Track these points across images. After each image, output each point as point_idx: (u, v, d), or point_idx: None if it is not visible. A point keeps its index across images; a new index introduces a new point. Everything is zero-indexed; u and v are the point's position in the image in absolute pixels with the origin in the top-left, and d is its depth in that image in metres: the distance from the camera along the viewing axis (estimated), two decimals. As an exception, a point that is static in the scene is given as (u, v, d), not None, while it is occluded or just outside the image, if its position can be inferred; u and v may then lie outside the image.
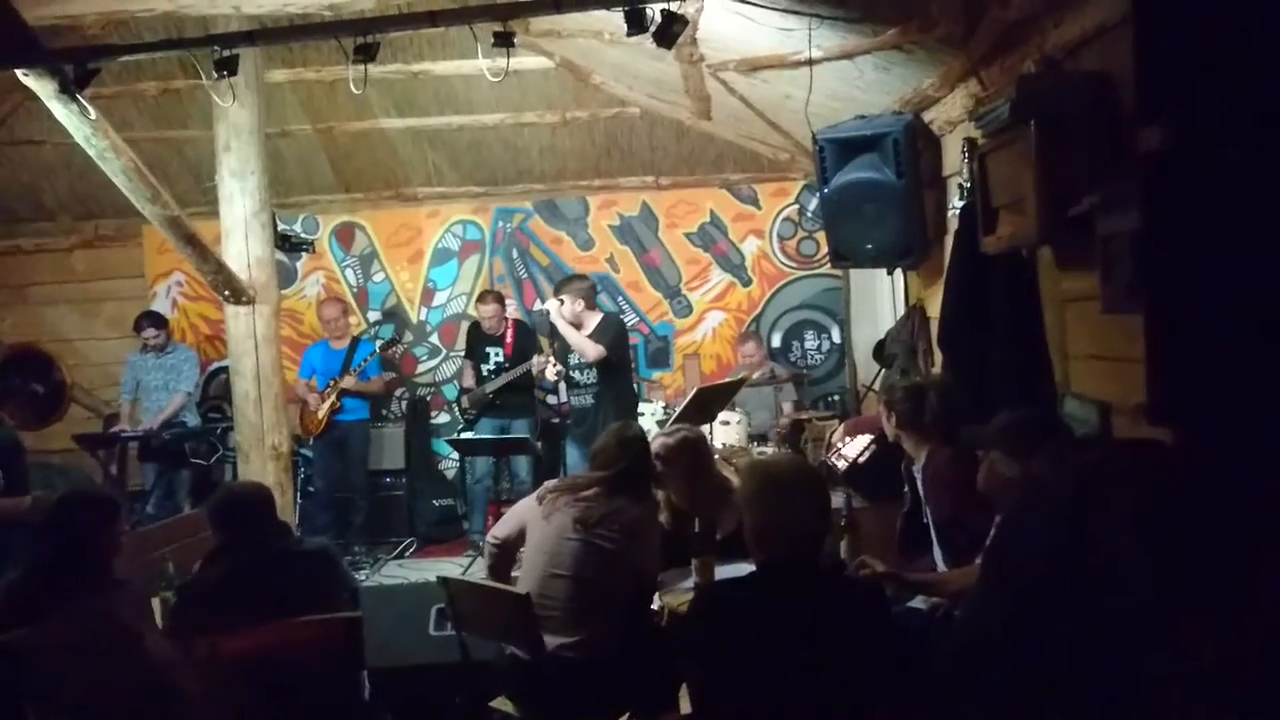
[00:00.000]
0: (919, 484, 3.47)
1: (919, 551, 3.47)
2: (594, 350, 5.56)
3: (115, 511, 3.11)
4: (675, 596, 3.32)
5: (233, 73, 3.85)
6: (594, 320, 5.70)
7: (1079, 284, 3.07)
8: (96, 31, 5.39)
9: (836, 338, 7.13)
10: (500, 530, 3.45)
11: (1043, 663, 1.76)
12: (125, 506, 3.33)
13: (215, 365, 6.97)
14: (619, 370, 5.82)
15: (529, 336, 6.52)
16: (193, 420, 6.53)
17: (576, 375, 5.82)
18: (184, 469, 6.43)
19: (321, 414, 6.43)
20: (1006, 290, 3.48)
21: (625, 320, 7.13)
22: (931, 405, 3.41)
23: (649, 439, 3.66)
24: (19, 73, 3.79)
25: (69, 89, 3.80)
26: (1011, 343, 3.43)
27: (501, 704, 3.24)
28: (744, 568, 2.57)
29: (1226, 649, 1.49)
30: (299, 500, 6.14)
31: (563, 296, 5.64)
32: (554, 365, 5.94)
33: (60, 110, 3.94)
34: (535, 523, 3.31)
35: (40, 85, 3.81)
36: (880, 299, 6.00)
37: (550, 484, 3.44)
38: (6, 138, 6.62)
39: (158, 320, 6.56)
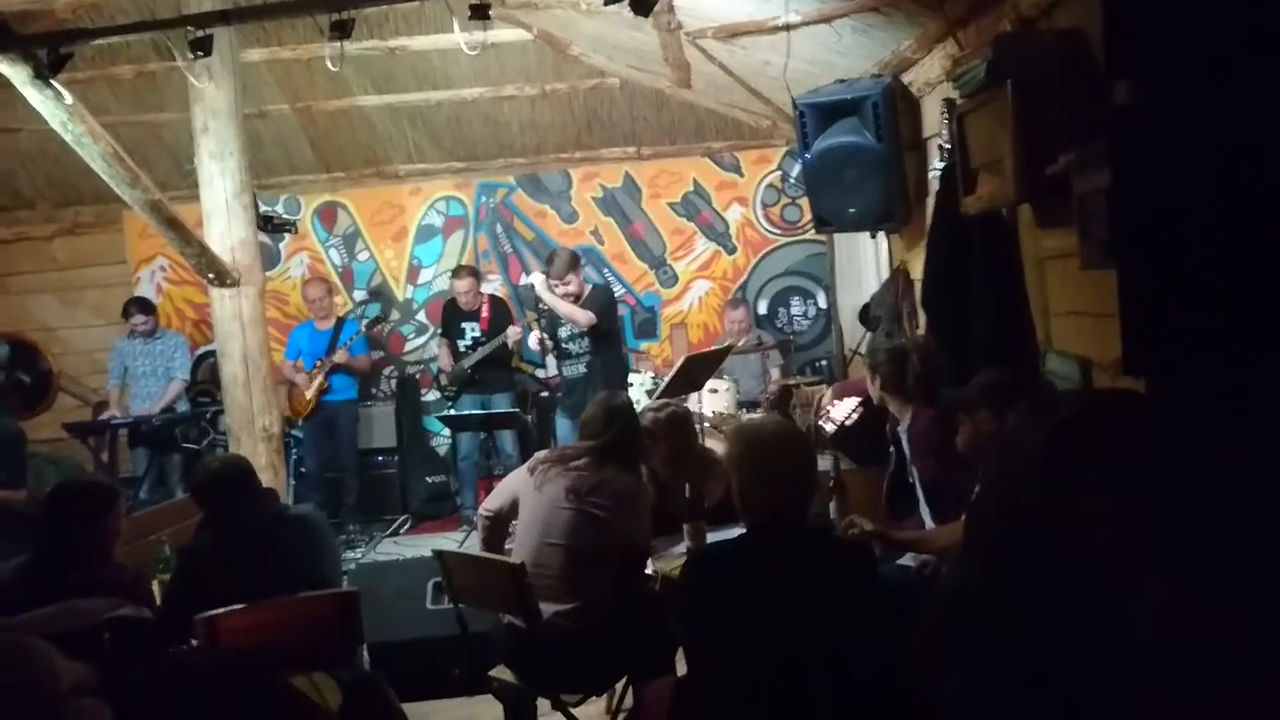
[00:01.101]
0: (904, 445, 3.52)
1: (906, 511, 3.52)
2: (584, 317, 5.61)
3: (114, 498, 3.14)
4: (667, 562, 3.37)
5: (208, 53, 3.83)
6: (586, 290, 5.77)
7: (1058, 242, 3.10)
8: (68, 15, 5.33)
9: (822, 303, 7.16)
10: (492, 502, 3.49)
11: (1020, 614, 1.79)
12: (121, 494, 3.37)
13: (202, 349, 6.95)
14: (610, 339, 5.87)
15: (504, 311, 6.53)
16: (182, 405, 6.54)
17: (569, 346, 5.85)
18: (175, 453, 6.45)
19: (310, 395, 6.45)
20: (986, 250, 3.51)
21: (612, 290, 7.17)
22: (914, 367, 3.45)
23: (636, 409, 3.69)
24: (-8, 59, 3.76)
25: (43, 74, 3.77)
26: (992, 302, 3.46)
27: (500, 673, 3.29)
28: (733, 533, 2.62)
29: (1199, 598, 1.53)
30: (291, 481, 6.17)
31: (569, 278, 5.69)
32: (535, 334, 5.96)
33: (35, 96, 3.90)
34: (527, 493, 3.34)
35: (13, 71, 3.77)
36: (865, 263, 6.02)
37: (541, 455, 3.47)
38: (-19, 126, 6.57)
39: (146, 306, 6.55)
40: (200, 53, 3.80)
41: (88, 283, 7.29)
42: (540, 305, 5.82)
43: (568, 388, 5.99)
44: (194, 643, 2.82)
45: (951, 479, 3.05)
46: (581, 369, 5.82)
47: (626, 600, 3.21)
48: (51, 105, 3.95)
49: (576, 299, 5.72)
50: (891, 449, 3.71)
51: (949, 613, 2.15)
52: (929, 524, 3.35)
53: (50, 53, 3.74)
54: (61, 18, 5.29)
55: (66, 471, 6.02)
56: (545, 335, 5.93)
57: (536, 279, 5.68)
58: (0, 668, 1.83)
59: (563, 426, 5.94)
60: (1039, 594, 1.83)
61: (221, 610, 2.77)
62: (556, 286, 5.71)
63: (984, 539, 1.98)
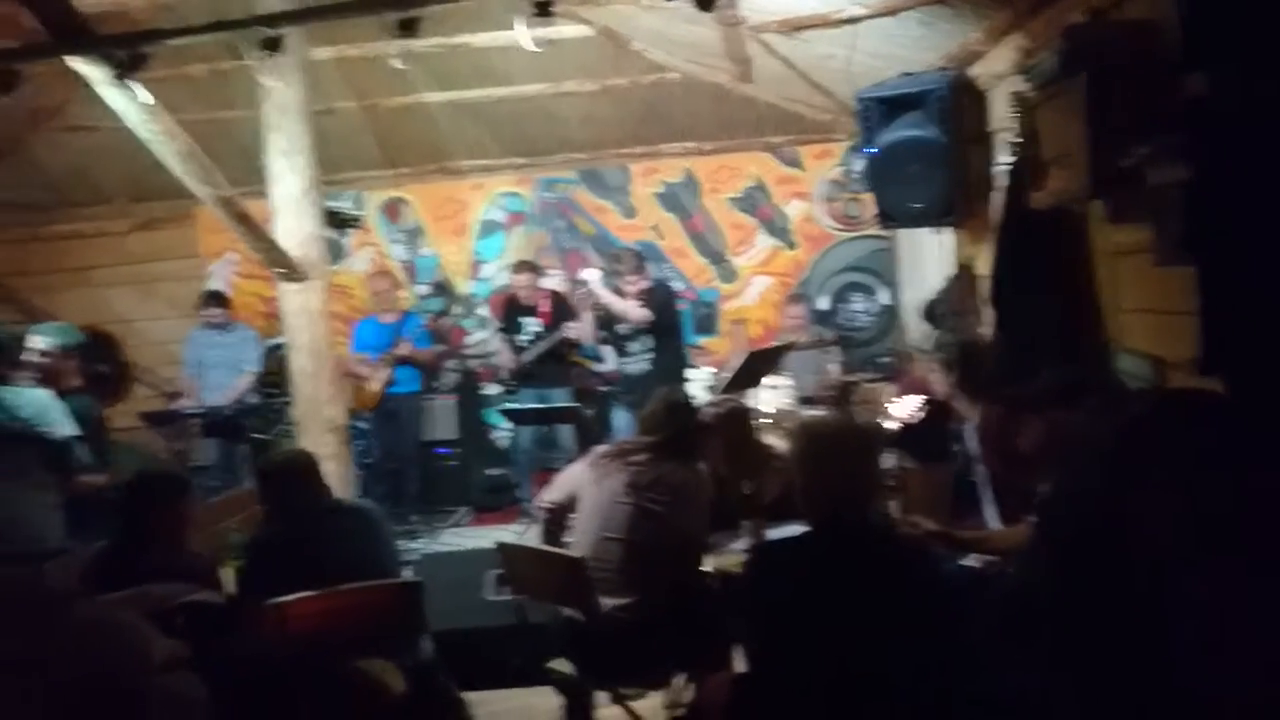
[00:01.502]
0: (970, 443, 3.46)
1: (971, 511, 3.46)
2: (638, 314, 5.62)
3: (187, 487, 3.24)
4: (726, 558, 3.36)
5: (277, 52, 3.91)
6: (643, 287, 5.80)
7: (1131, 237, 3.03)
8: (143, 16, 5.49)
9: (885, 299, 7.07)
10: (552, 495, 3.52)
11: (1087, 615, 1.76)
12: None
13: (271, 342, 7.12)
14: (669, 335, 5.87)
15: (564, 306, 6.56)
16: (252, 396, 6.70)
17: (630, 343, 5.86)
18: (245, 443, 6.61)
19: (375, 387, 6.56)
20: (1055, 246, 3.44)
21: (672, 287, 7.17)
22: (984, 364, 3.39)
23: (695, 405, 3.70)
24: (71, 60, 3.88)
25: (121, 75, 3.88)
26: (1061, 299, 3.40)
27: (559, 664, 3.32)
28: (791, 530, 2.61)
29: (1265, 600, 1.49)
30: (357, 472, 6.28)
31: (634, 278, 5.73)
32: (592, 330, 6.00)
33: (113, 96, 4.02)
34: (587, 487, 3.37)
35: (93, 72, 3.89)
36: (928, 259, 5.94)
37: (600, 449, 3.50)
38: (61, 124, 6.78)
39: (220, 299, 6.76)
40: (270, 52, 3.89)
41: (161, 276, 7.50)
42: (596, 302, 5.83)
43: (628, 384, 6.01)
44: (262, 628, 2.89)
45: (1018, 479, 3.00)
46: (645, 365, 5.83)
47: (685, 595, 3.21)
48: (129, 104, 4.07)
49: (644, 295, 5.75)
50: (957, 447, 3.66)
51: (1013, 613, 2.12)
52: (993, 525, 3.30)
53: (128, 53, 3.86)
54: (137, 18, 5.45)
55: (142, 459, 6.23)
56: (603, 331, 5.96)
57: (592, 274, 5.69)
58: (96, 643, 1.90)
59: (620, 420, 5.96)
60: (1106, 595, 1.79)
61: (291, 597, 2.83)
62: (629, 284, 5.73)
63: (1050, 539, 1.94)
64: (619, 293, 5.84)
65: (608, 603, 3.16)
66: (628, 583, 3.19)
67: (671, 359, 5.90)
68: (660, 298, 5.78)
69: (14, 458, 4.24)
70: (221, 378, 6.63)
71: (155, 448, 6.77)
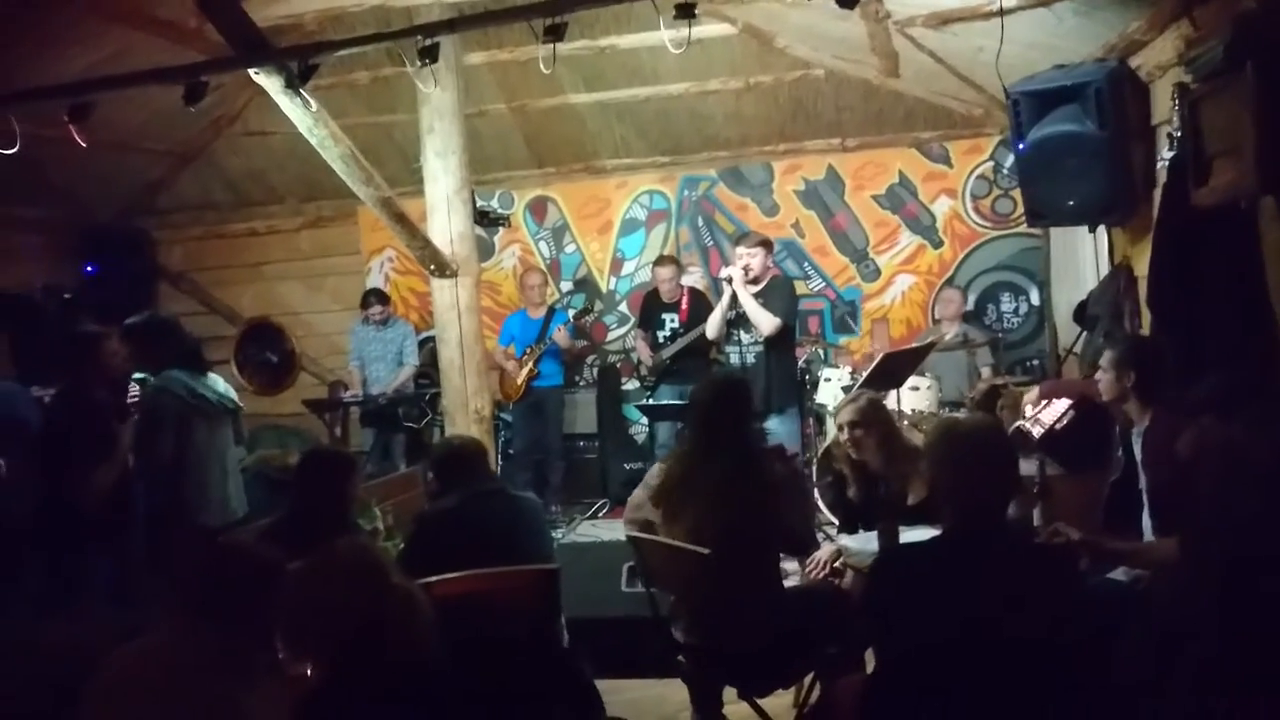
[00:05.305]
0: (1136, 450, 3.27)
1: (1127, 522, 3.30)
2: (769, 325, 5.46)
3: (353, 466, 3.47)
4: (860, 559, 3.33)
5: (434, 59, 4.10)
6: (767, 277, 5.65)
7: (1305, 237, 2.84)
8: (315, 28, 5.85)
9: (1035, 300, 6.81)
10: (631, 524, 3.49)
11: (1246, 639, 1.68)
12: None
13: (423, 335, 7.46)
14: (784, 333, 5.68)
15: (703, 303, 6.57)
16: (406, 387, 7.04)
17: (740, 333, 5.65)
18: (399, 432, 6.96)
19: (520, 379, 6.78)
20: (1223, 245, 3.25)
21: (811, 286, 7.09)
22: (1162, 366, 3.19)
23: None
24: (251, 71, 4.19)
25: (293, 83, 4.16)
26: (1230, 302, 3.21)
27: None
28: (929, 532, 2.57)
29: None
30: (500, 462, 6.52)
31: (755, 250, 5.57)
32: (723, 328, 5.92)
33: (285, 103, 4.31)
34: (661, 526, 3.34)
35: (269, 82, 4.19)
36: (1083, 258, 5.68)
37: (650, 486, 3.41)
38: (241, 129, 7.31)
39: (382, 297, 7.15)
40: (428, 59, 4.08)
41: (327, 271, 7.97)
42: (732, 302, 5.68)
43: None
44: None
45: (1174, 489, 2.84)
46: (750, 359, 5.60)
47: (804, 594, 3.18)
48: (299, 111, 4.35)
49: (756, 281, 5.60)
50: (1120, 454, 3.47)
51: (1165, 633, 2.03)
52: (1149, 537, 3.14)
53: (300, 64, 4.13)
54: (309, 30, 5.81)
55: (307, 443, 6.65)
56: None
57: (734, 273, 5.59)
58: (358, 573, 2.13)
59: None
60: (1266, 618, 1.71)
61: (434, 578, 2.98)
62: (742, 256, 5.61)
63: (1200, 560, 1.86)
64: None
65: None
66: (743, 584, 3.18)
67: (785, 354, 5.71)
68: (784, 297, 5.58)
69: (235, 428, 4.61)
70: (381, 370, 7.01)
71: (318, 433, 7.20)
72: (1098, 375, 3.35)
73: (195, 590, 2.24)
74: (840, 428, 3.77)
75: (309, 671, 2.18)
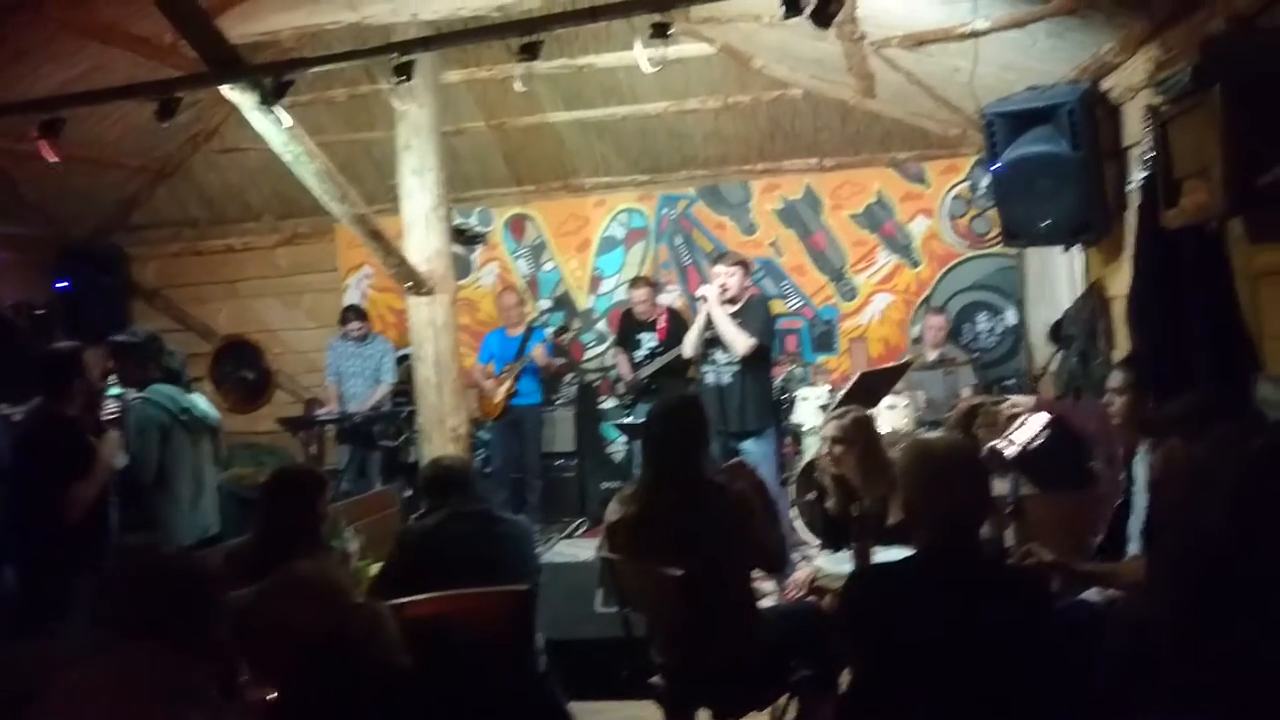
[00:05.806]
0: (1138, 473, 3.22)
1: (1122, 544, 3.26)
2: (745, 345, 5.44)
3: (322, 484, 3.42)
4: (834, 579, 3.32)
5: (409, 77, 4.09)
6: (745, 296, 5.62)
7: (1274, 257, 2.87)
8: (291, 45, 5.84)
9: (1011, 319, 6.85)
10: (604, 545, 3.42)
11: (1211, 657, 1.68)
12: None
13: (401, 352, 7.41)
14: (761, 353, 5.66)
15: (682, 323, 6.57)
16: (383, 404, 6.99)
17: (716, 353, 5.62)
18: (375, 450, 6.90)
19: (498, 398, 6.75)
20: (1196, 266, 3.28)
21: (789, 305, 7.10)
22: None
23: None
24: (223, 88, 4.16)
25: (267, 100, 4.14)
26: (1203, 322, 3.22)
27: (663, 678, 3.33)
28: (905, 553, 2.55)
29: None
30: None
31: (729, 268, 5.56)
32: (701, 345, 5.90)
33: (259, 120, 4.28)
34: (626, 557, 3.28)
35: (242, 99, 4.16)
36: (1058, 278, 5.72)
37: (609, 520, 3.33)
38: (218, 146, 7.27)
39: (361, 313, 7.10)
40: (405, 76, 4.07)
41: (304, 288, 7.92)
42: (707, 322, 5.66)
43: (709, 395, 5.70)
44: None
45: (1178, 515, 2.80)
46: (726, 379, 5.59)
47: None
48: (273, 128, 4.32)
49: (734, 300, 5.59)
50: (1123, 476, 3.41)
51: (1129, 652, 2.03)
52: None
53: (274, 80, 4.11)
54: (286, 47, 5.80)
55: (283, 461, 6.58)
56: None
57: (710, 291, 5.56)
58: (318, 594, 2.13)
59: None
60: (1230, 636, 1.70)
61: (404, 599, 2.94)
62: (719, 276, 5.59)
63: (1168, 575, 1.86)
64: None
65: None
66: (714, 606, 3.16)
67: (762, 374, 5.69)
68: (760, 318, 5.56)
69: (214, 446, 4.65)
70: (358, 387, 6.95)
71: (293, 451, 7.13)
72: (1106, 397, 3.29)
73: (132, 609, 2.20)
74: (824, 441, 3.78)
75: (272, 694, 2.14)
